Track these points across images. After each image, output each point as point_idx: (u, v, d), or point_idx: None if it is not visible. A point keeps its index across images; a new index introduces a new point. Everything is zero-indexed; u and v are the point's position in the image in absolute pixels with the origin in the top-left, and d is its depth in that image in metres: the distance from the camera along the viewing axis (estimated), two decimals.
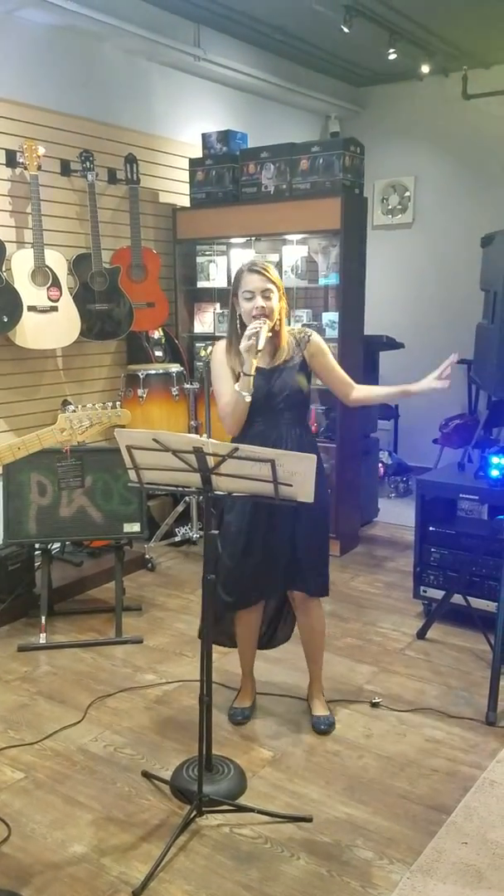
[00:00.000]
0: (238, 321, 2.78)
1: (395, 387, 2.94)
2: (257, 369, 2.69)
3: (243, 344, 2.62)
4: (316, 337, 2.85)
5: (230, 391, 2.72)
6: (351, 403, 2.96)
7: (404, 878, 2.23)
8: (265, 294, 2.70)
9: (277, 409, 2.78)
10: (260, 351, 2.61)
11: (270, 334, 2.69)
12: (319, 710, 3.05)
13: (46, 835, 2.43)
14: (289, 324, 2.93)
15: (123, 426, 2.53)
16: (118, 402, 2.48)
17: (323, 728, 2.98)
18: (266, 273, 2.71)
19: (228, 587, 2.88)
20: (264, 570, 2.86)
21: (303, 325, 4.79)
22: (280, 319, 2.76)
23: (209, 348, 4.78)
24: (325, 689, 3.14)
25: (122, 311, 4.62)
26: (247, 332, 2.64)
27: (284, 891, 2.21)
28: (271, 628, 3.19)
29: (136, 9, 4.66)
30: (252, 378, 2.64)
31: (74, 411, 2.54)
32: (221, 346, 2.82)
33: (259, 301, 2.69)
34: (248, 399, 2.67)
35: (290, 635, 3.23)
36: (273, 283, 2.71)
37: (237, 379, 2.70)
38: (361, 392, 2.94)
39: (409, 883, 2.22)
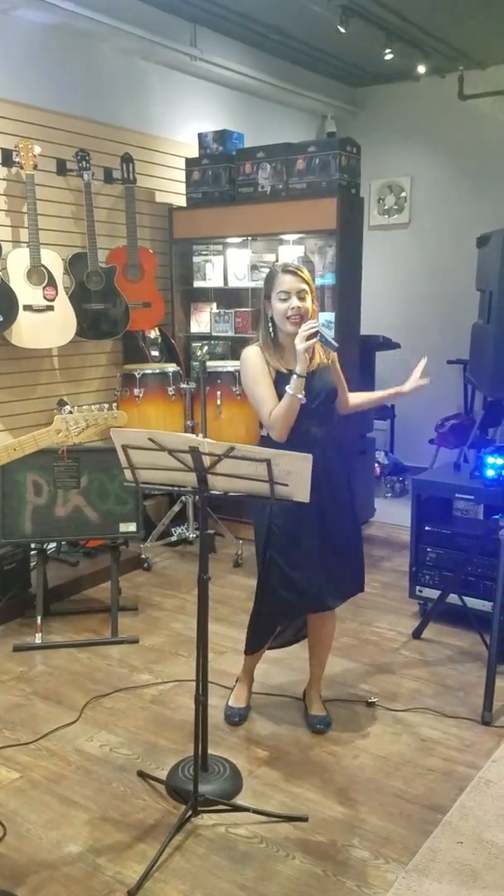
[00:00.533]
0: (270, 323, 2.76)
1: (388, 390, 2.99)
2: (292, 372, 2.69)
3: (302, 345, 2.60)
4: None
5: (274, 396, 2.70)
6: (348, 410, 2.97)
7: (400, 878, 2.24)
8: (300, 295, 2.69)
9: (313, 410, 2.75)
10: (310, 350, 2.64)
11: (317, 338, 2.66)
12: (316, 709, 3.05)
13: (42, 835, 2.43)
14: None
15: (120, 427, 2.53)
16: (114, 404, 2.48)
17: (320, 727, 2.98)
18: (300, 273, 2.70)
19: (282, 596, 2.82)
20: (314, 576, 2.81)
21: None
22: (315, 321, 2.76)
23: (205, 348, 4.77)
24: (321, 687, 3.14)
25: (118, 310, 4.62)
26: (303, 332, 2.61)
27: (280, 890, 2.21)
28: (290, 630, 3.18)
29: (133, 8, 4.66)
30: (304, 380, 2.64)
31: (70, 412, 2.53)
32: (254, 350, 2.78)
33: (295, 302, 2.68)
34: (304, 400, 2.66)
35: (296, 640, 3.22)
36: (307, 283, 2.71)
37: (275, 380, 2.71)
38: (359, 398, 2.99)
39: (404, 882, 2.22)
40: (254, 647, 3.00)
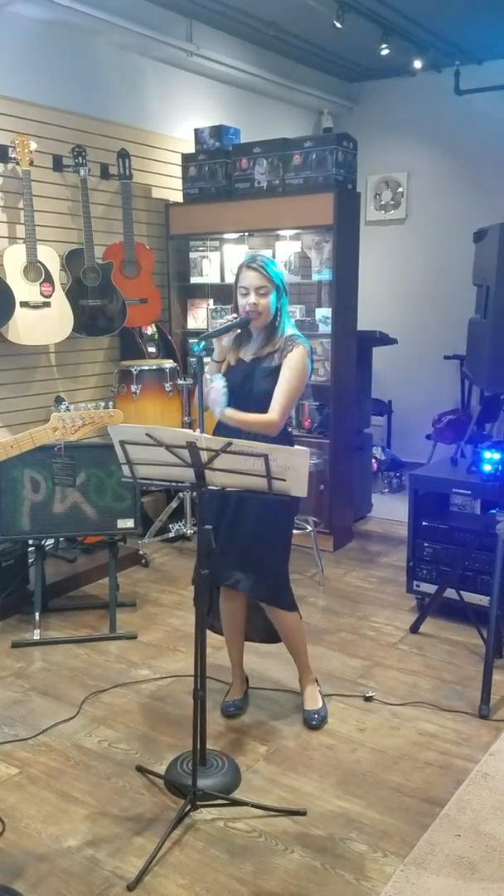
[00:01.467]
0: (230, 316, 2.83)
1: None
2: (241, 362, 2.80)
3: (208, 334, 2.74)
4: (296, 352, 2.75)
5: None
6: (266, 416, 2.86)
7: (398, 871, 2.25)
8: (260, 291, 2.72)
9: (249, 403, 2.76)
10: (222, 340, 2.74)
11: (241, 329, 2.75)
12: (310, 703, 3.05)
13: (41, 830, 2.44)
14: (292, 325, 2.89)
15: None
16: (111, 402, 2.48)
17: (313, 723, 2.98)
18: (262, 271, 2.72)
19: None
20: (223, 552, 2.82)
21: (296, 323, 4.80)
22: (280, 318, 2.77)
23: (202, 343, 4.77)
24: (319, 681, 3.14)
25: (114, 306, 4.62)
26: (209, 332, 2.75)
27: (279, 884, 2.22)
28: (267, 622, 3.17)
29: (129, 4, 4.65)
30: (218, 365, 2.77)
31: (67, 410, 2.53)
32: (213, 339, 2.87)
33: (252, 298, 2.71)
34: (207, 378, 2.74)
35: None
36: (270, 281, 2.72)
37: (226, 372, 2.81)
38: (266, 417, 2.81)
39: (402, 875, 2.23)
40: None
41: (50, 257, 4.25)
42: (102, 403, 2.52)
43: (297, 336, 2.81)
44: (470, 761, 2.76)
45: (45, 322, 4.25)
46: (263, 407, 2.74)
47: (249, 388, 2.78)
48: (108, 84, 4.88)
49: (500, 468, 3.66)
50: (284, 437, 2.84)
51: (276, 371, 2.77)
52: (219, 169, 5.03)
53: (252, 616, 3.12)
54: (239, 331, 2.77)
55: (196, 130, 5.25)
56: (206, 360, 2.71)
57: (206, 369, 2.74)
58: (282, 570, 2.95)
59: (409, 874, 2.23)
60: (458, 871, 2.24)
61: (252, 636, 3.19)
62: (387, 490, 6.27)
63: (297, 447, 2.34)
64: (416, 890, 2.17)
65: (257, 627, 3.16)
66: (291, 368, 2.74)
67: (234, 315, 2.76)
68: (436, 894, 2.16)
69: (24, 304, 4.14)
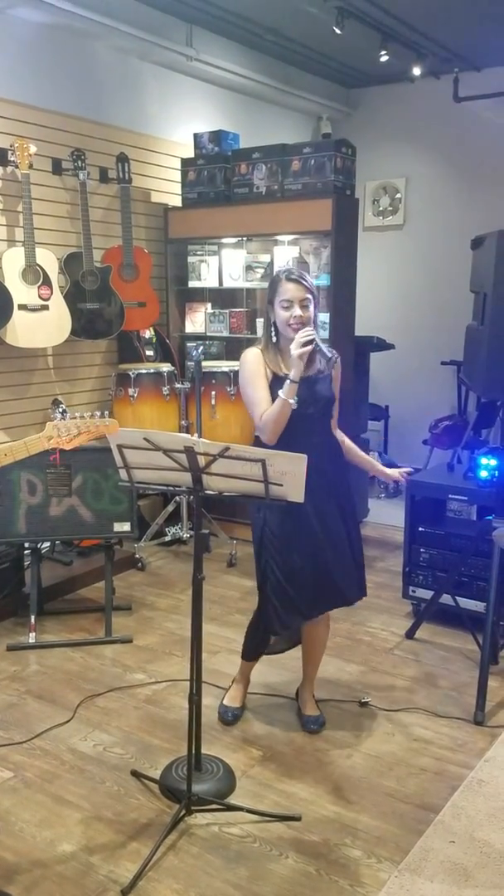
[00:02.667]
0: (273, 328, 2.77)
1: (370, 462, 3.03)
2: (276, 375, 2.74)
3: (297, 351, 2.62)
4: (339, 362, 2.88)
5: (267, 398, 2.71)
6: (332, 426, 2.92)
7: (392, 877, 2.24)
8: (303, 303, 2.70)
9: (309, 418, 2.75)
10: (306, 356, 2.66)
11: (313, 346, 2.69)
12: (310, 710, 3.05)
13: (35, 834, 2.43)
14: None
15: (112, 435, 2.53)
16: (107, 412, 2.48)
17: (314, 728, 2.98)
18: (304, 282, 2.71)
19: (291, 595, 2.80)
20: (322, 577, 2.81)
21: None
22: (315, 328, 2.77)
23: (200, 348, 4.78)
24: (315, 687, 3.15)
25: (113, 310, 4.62)
26: (299, 339, 2.63)
27: (273, 889, 2.21)
28: (285, 636, 3.16)
29: (129, 8, 4.66)
30: (297, 386, 2.66)
31: (64, 415, 2.53)
32: (253, 353, 2.80)
33: (297, 311, 2.69)
34: (295, 406, 2.66)
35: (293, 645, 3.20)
36: (310, 292, 2.72)
37: (272, 383, 2.72)
38: (347, 442, 2.98)
39: (397, 881, 2.23)
40: (251, 654, 3.03)
41: (48, 260, 4.25)
42: (98, 413, 2.52)
43: (331, 350, 2.90)
44: (465, 767, 2.76)
45: (43, 325, 4.25)
46: (326, 411, 2.82)
47: (317, 401, 2.76)
48: (108, 88, 4.89)
49: (496, 474, 3.67)
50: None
51: (330, 380, 2.83)
52: (218, 174, 5.04)
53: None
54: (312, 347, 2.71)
55: (195, 135, 5.26)
56: (285, 386, 2.65)
57: (283, 393, 2.65)
58: None
59: (404, 880, 2.23)
60: (452, 878, 2.24)
61: (277, 648, 3.20)
62: (383, 495, 6.28)
63: (294, 453, 2.34)
64: None
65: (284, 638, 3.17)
66: (339, 381, 2.88)
67: (311, 329, 2.68)
68: None
69: (23, 307, 4.14)
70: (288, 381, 2.65)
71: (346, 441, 2.98)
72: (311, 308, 2.73)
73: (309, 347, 2.64)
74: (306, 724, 3.00)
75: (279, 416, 2.67)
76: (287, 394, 2.64)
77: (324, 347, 2.85)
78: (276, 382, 2.73)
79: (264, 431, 2.72)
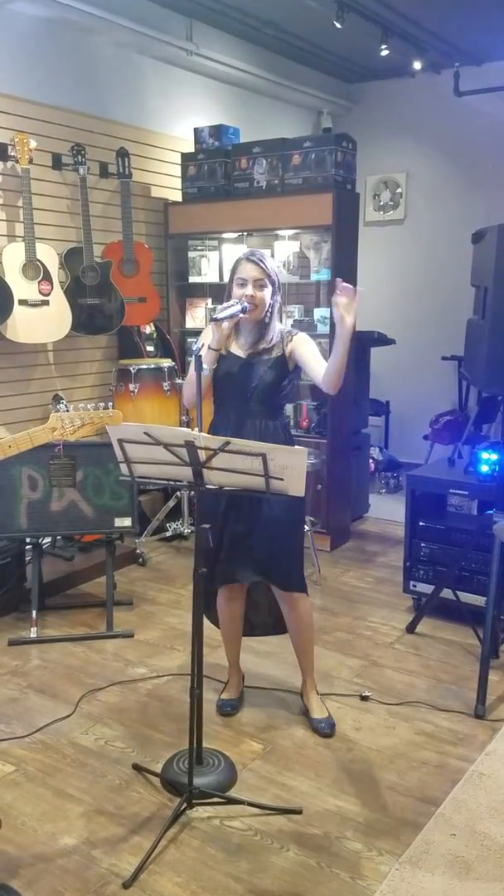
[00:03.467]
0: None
1: (336, 341, 2.81)
2: (234, 356, 2.81)
3: (215, 316, 2.71)
4: (301, 334, 2.86)
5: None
6: (326, 385, 2.78)
7: (393, 870, 2.25)
8: (258, 283, 2.75)
9: (247, 399, 2.80)
10: (222, 325, 2.72)
11: (243, 315, 2.73)
12: (317, 712, 3.00)
13: (37, 827, 2.44)
14: (280, 321, 2.95)
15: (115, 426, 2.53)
16: (110, 403, 2.49)
17: (326, 731, 2.93)
18: (262, 264, 2.76)
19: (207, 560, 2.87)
20: (232, 552, 2.86)
21: (293, 323, 4.82)
22: (272, 314, 2.80)
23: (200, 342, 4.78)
24: (316, 681, 3.14)
25: (113, 305, 4.62)
26: (220, 307, 2.72)
27: (274, 882, 2.22)
28: (272, 616, 3.17)
29: (129, 2, 4.65)
30: (216, 354, 2.75)
31: (66, 411, 2.53)
32: (209, 327, 2.86)
33: (249, 289, 2.74)
34: (206, 372, 2.71)
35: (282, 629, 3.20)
36: (267, 275, 2.76)
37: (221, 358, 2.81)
38: (325, 368, 2.81)
39: (397, 874, 2.23)
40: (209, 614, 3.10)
41: (49, 256, 4.25)
42: (102, 404, 2.53)
43: (287, 327, 2.92)
44: (465, 761, 2.77)
45: (43, 320, 4.25)
46: (267, 399, 2.80)
47: (254, 381, 2.79)
48: (108, 83, 4.88)
49: (497, 469, 3.67)
50: (288, 437, 2.91)
51: (279, 362, 2.81)
52: (218, 168, 5.03)
53: (254, 611, 3.13)
54: (240, 317, 2.76)
55: (195, 130, 5.25)
56: (201, 349, 2.69)
57: (202, 356, 2.69)
58: (301, 553, 2.99)
59: (405, 873, 2.24)
60: (453, 871, 2.24)
61: (254, 631, 3.20)
62: (384, 490, 6.28)
63: (294, 446, 2.34)
64: (411, 889, 2.18)
65: (260, 622, 3.18)
66: (310, 343, 2.86)
67: (235, 300, 2.75)
68: (431, 893, 2.16)
69: (23, 303, 4.14)
70: (205, 346, 2.74)
71: (326, 372, 2.79)
72: (267, 292, 2.77)
73: (222, 318, 2.69)
74: (318, 728, 2.95)
75: (188, 378, 2.78)
76: (204, 359, 2.71)
77: (279, 328, 2.85)
78: (222, 358, 2.83)
79: (183, 393, 2.91)
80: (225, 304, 2.74)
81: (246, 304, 2.73)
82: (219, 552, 2.88)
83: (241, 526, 2.84)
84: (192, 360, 2.64)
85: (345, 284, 2.68)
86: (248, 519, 2.84)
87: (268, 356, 2.82)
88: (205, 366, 2.69)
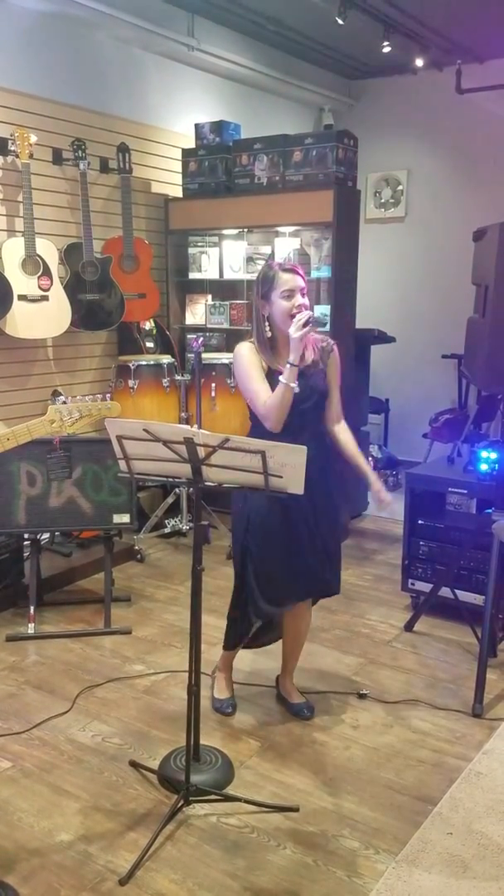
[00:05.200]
0: (265, 322, 2.74)
1: (370, 473, 2.92)
2: (281, 371, 2.71)
3: (297, 333, 2.60)
4: (335, 354, 2.84)
5: (267, 388, 2.70)
6: (331, 434, 2.87)
7: (390, 868, 2.25)
8: (303, 292, 2.71)
9: (303, 411, 2.74)
10: (299, 337, 2.63)
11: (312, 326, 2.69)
12: (297, 698, 3.08)
13: (33, 823, 2.44)
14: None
15: (114, 418, 2.53)
16: (108, 395, 2.48)
17: (307, 714, 3.00)
18: (299, 271, 2.72)
19: (272, 589, 2.83)
20: (303, 567, 2.83)
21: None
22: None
23: (200, 339, 4.77)
24: (313, 679, 3.17)
25: (113, 301, 4.61)
26: (298, 320, 2.62)
27: (271, 880, 2.22)
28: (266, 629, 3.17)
29: None
30: (296, 370, 2.65)
31: (64, 403, 2.53)
32: (246, 347, 2.77)
33: (299, 299, 2.68)
34: (297, 390, 2.65)
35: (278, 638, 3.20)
36: (306, 281, 2.73)
37: (267, 377, 2.71)
38: (342, 434, 2.88)
39: (394, 873, 2.23)
40: (231, 644, 3.03)
41: (48, 251, 4.24)
42: (100, 396, 2.52)
43: (327, 339, 2.87)
44: (463, 760, 2.77)
45: (42, 316, 4.24)
46: (320, 405, 2.80)
47: (311, 394, 2.74)
48: (109, 78, 4.87)
49: (496, 468, 3.67)
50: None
51: (324, 373, 2.81)
52: (219, 164, 5.02)
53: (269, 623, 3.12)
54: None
55: (196, 125, 5.24)
56: (286, 370, 2.64)
57: (284, 378, 2.64)
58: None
59: (401, 872, 2.23)
60: (449, 869, 2.24)
61: (265, 641, 3.19)
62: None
63: (294, 444, 2.33)
64: (407, 887, 2.18)
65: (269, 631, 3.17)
66: (338, 368, 2.85)
67: (306, 312, 2.66)
68: (427, 892, 2.16)
69: (22, 298, 4.13)
70: (288, 365, 2.64)
71: (346, 435, 2.89)
72: (307, 298, 2.73)
73: (308, 328, 2.63)
74: (299, 712, 3.02)
75: (282, 401, 2.66)
76: (288, 378, 2.63)
77: (318, 337, 2.83)
78: (271, 377, 2.72)
79: (269, 419, 2.70)
80: (301, 316, 2.62)
81: (310, 312, 2.67)
82: (272, 574, 2.80)
83: (299, 542, 2.79)
84: (281, 384, 2.62)
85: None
86: (312, 532, 2.80)
87: (314, 368, 2.77)
88: (293, 385, 2.64)
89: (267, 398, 2.69)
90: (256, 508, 2.76)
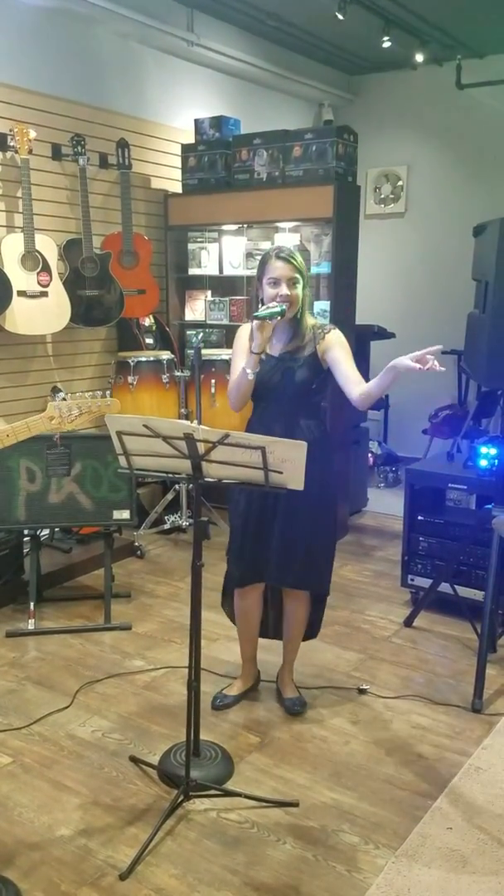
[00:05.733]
0: (260, 305, 2.76)
1: (389, 374, 2.72)
2: (268, 355, 2.76)
3: (254, 323, 2.64)
4: (335, 333, 2.80)
5: (239, 368, 2.77)
6: (357, 403, 2.75)
7: (389, 863, 2.26)
8: (291, 282, 2.70)
9: (283, 397, 2.77)
10: (267, 327, 2.64)
11: (281, 318, 2.68)
12: (290, 692, 3.08)
13: (34, 818, 2.44)
14: (312, 315, 2.90)
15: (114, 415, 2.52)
16: (108, 392, 2.48)
17: (297, 709, 3.01)
18: (293, 261, 2.70)
19: (233, 561, 2.94)
20: (257, 551, 2.87)
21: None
22: (303, 309, 2.76)
23: (200, 335, 4.76)
24: (313, 675, 3.17)
25: (112, 297, 4.60)
26: (259, 311, 2.65)
27: (271, 875, 2.22)
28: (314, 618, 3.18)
29: None
30: (258, 357, 2.68)
31: (64, 399, 2.53)
32: (246, 329, 2.81)
33: (284, 289, 2.69)
34: (251, 377, 2.69)
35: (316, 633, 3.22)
36: (299, 271, 2.71)
37: None
38: (363, 387, 2.74)
39: (394, 867, 2.24)
40: (224, 591, 3.14)
41: (48, 247, 4.23)
42: (100, 393, 2.52)
43: (323, 322, 2.88)
44: (462, 755, 2.77)
45: (42, 312, 4.23)
46: (301, 398, 2.78)
47: (287, 380, 2.76)
48: (109, 73, 4.85)
49: (495, 463, 3.67)
50: (323, 435, 2.88)
51: (312, 359, 2.77)
52: (218, 160, 5.01)
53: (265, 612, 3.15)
54: (280, 319, 2.69)
55: (196, 121, 5.23)
56: (250, 352, 2.67)
57: (244, 363, 2.70)
58: (331, 557, 3.01)
59: (401, 866, 2.24)
60: (449, 864, 2.25)
61: (266, 632, 3.20)
62: (382, 484, 6.28)
63: (294, 440, 2.33)
64: (407, 882, 2.18)
65: (268, 623, 3.20)
66: (344, 346, 2.80)
67: (275, 303, 2.68)
68: (427, 887, 2.17)
69: (22, 294, 4.12)
70: (249, 351, 2.69)
71: (364, 387, 2.74)
72: (299, 288, 2.72)
73: (267, 321, 2.64)
74: (290, 706, 3.02)
75: (238, 386, 2.78)
76: (246, 363, 2.69)
77: (310, 324, 2.81)
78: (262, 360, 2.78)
79: (229, 399, 2.84)
80: (264, 308, 2.66)
81: (284, 305, 2.67)
82: (244, 549, 2.88)
83: (277, 526, 2.83)
84: (235, 366, 2.65)
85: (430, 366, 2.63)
86: (273, 518, 2.83)
87: (300, 354, 2.77)
88: (248, 370, 2.67)
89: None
90: (239, 493, 2.86)
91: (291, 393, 2.77)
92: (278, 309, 2.65)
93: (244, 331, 2.83)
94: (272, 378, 2.77)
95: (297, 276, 2.71)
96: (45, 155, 4.43)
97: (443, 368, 2.62)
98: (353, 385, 2.74)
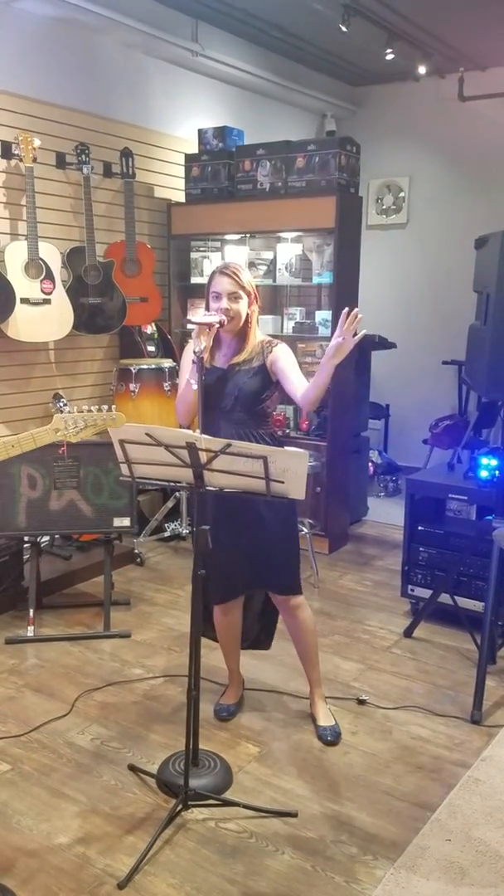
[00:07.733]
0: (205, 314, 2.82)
1: (323, 365, 2.67)
2: (214, 367, 2.81)
3: (195, 328, 2.69)
4: (281, 346, 2.84)
5: (185, 381, 2.82)
6: (304, 404, 2.77)
7: (388, 874, 2.25)
8: (232, 297, 2.75)
9: (228, 408, 2.80)
10: (205, 335, 2.67)
11: (220, 327, 2.73)
12: (323, 720, 2.99)
13: (32, 826, 2.44)
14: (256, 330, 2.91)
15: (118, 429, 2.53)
16: (114, 406, 2.49)
17: (329, 739, 2.91)
18: (236, 277, 2.75)
19: (210, 581, 2.91)
20: (232, 566, 2.88)
21: (295, 325, 4.84)
22: (249, 324, 2.80)
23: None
24: (323, 693, 3.13)
25: (115, 305, 4.62)
26: (194, 317, 2.72)
27: (269, 885, 2.22)
28: (260, 628, 3.20)
29: (135, 2, 4.65)
30: (201, 364, 2.69)
31: (70, 412, 2.53)
32: (192, 343, 2.82)
33: (224, 303, 2.75)
34: (194, 386, 2.71)
35: (270, 644, 3.24)
36: (242, 287, 2.76)
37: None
38: (304, 388, 2.75)
39: (392, 879, 2.23)
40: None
41: (51, 254, 4.24)
42: (105, 406, 2.53)
43: (271, 339, 2.90)
44: (461, 766, 2.77)
45: (45, 319, 4.25)
46: (246, 404, 2.79)
47: (235, 391, 2.78)
48: (113, 82, 4.88)
49: (496, 474, 3.67)
50: (274, 444, 2.85)
51: (261, 371, 2.81)
52: (221, 170, 5.03)
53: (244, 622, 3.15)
54: (217, 328, 2.74)
55: (200, 131, 5.26)
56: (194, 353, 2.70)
57: (191, 377, 2.73)
58: (298, 556, 2.98)
59: (399, 878, 2.23)
60: (448, 876, 2.24)
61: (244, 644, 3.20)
62: (383, 494, 6.28)
63: (295, 449, 2.34)
64: (405, 893, 2.18)
65: (253, 635, 3.21)
66: (291, 357, 2.84)
67: (213, 313, 2.75)
68: None
69: (25, 301, 4.14)
70: (192, 361, 2.72)
71: (304, 388, 2.75)
72: (242, 303, 2.77)
73: (206, 329, 2.67)
74: (322, 735, 2.94)
75: (182, 396, 2.84)
76: (191, 375, 2.73)
77: (259, 339, 2.84)
78: (208, 371, 2.81)
79: (176, 410, 2.91)
80: (197, 317, 2.73)
81: (222, 316, 2.72)
82: (215, 568, 2.87)
83: (235, 538, 2.84)
84: (182, 379, 2.68)
85: (348, 335, 2.61)
86: (241, 530, 2.84)
87: (248, 366, 2.81)
88: (192, 381, 2.71)
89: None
90: (216, 505, 2.84)
91: (240, 403, 2.80)
92: (215, 318, 2.71)
93: (190, 346, 2.83)
94: (220, 388, 2.80)
95: (239, 291, 2.75)
96: (49, 163, 4.46)
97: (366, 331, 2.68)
98: (298, 391, 2.80)
